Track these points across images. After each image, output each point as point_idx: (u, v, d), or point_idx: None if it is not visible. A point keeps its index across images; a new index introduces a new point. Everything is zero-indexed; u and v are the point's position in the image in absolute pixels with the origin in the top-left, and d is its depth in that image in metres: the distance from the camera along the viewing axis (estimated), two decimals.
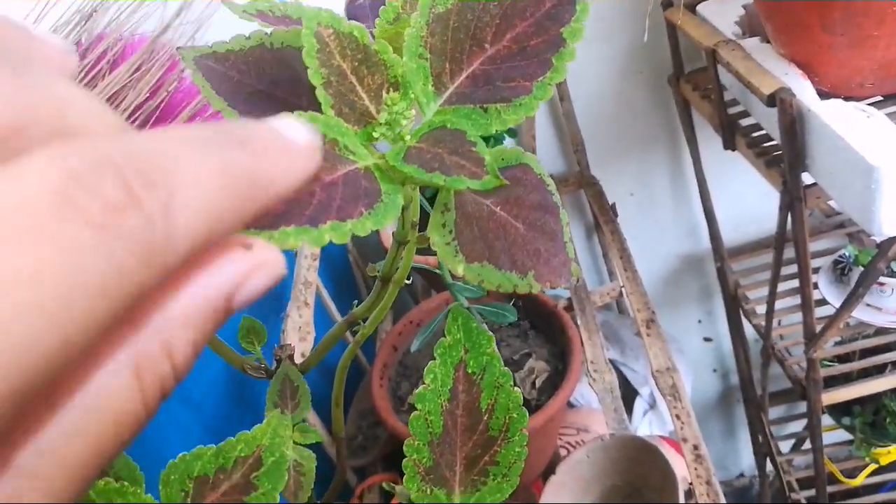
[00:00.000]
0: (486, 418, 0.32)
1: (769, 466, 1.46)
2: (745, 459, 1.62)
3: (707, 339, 1.45)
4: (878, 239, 0.66)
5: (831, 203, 1.18)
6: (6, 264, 0.12)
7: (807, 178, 0.77)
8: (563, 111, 1.08)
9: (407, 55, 0.28)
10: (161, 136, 0.15)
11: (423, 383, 0.31)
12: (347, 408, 0.92)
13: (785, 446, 1.42)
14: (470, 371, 0.32)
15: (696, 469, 0.71)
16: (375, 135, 0.27)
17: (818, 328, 0.88)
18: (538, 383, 0.68)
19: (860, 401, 1.18)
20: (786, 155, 0.74)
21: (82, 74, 0.68)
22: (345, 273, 1.10)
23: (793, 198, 0.77)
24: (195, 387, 0.68)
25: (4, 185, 0.13)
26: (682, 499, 0.71)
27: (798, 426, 1.45)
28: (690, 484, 0.70)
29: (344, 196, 0.24)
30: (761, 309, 1.07)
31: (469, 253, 0.25)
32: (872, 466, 1.21)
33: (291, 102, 0.30)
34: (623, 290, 0.94)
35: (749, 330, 1.20)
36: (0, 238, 0.12)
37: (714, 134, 1.10)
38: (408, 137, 0.27)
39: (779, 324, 1.11)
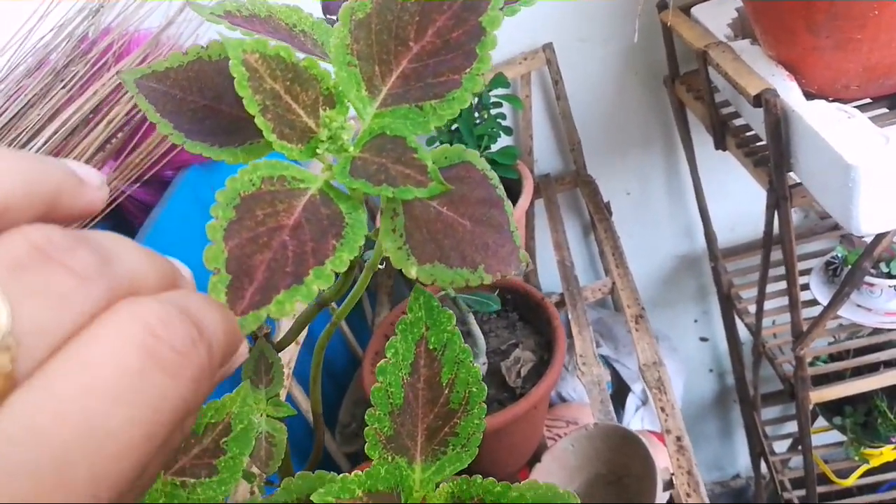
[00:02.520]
0: (446, 392, 0.34)
1: (764, 467, 1.47)
2: (742, 460, 1.63)
3: (703, 339, 1.46)
4: (857, 236, 0.67)
5: None
6: (106, 416, 0.15)
7: (794, 178, 0.79)
8: (559, 111, 1.10)
9: (336, 65, 0.29)
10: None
11: (385, 357, 0.33)
12: (342, 396, 0.94)
13: (781, 447, 1.43)
14: (431, 347, 0.34)
15: (678, 459, 0.73)
16: (319, 150, 0.29)
17: (807, 327, 0.90)
18: (523, 372, 0.70)
19: (852, 402, 1.19)
20: (772, 154, 0.75)
21: (89, 66, 0.71)
22: None
23: (779, 197, 0.79)
24: None
25: (95, 342, 0.16)
26: (661, 488, 0.73)
27: (794, 427, 1.45)
28: (672, 474, 0.72)
29: (313, 235, 0.25)
30: (753, 308, 1.08)
31: (420, 255, 0.27)
32: (864, 467, 1.22)
33: (237, 115, 0.31)
34: (614, 285, 0.96)
35: (743, 330, 1.21)
36: (99, 390, 0.15)
37: (709, 139, 1.11)
38: (351, 148, 0.29)
39: (773, 323, 1.13)
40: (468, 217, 0.27)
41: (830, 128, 0.67)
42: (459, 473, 0.33)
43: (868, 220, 0.65)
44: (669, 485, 0.74)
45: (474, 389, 0.34)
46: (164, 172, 0.90)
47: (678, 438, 0.75)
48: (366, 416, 0.32)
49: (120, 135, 0.76)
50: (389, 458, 0.32)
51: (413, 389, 0.33)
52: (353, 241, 0.25)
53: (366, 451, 0.32)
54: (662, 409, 0.78)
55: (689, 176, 1.15)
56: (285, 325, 0.74)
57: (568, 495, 0.33)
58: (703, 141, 1.09)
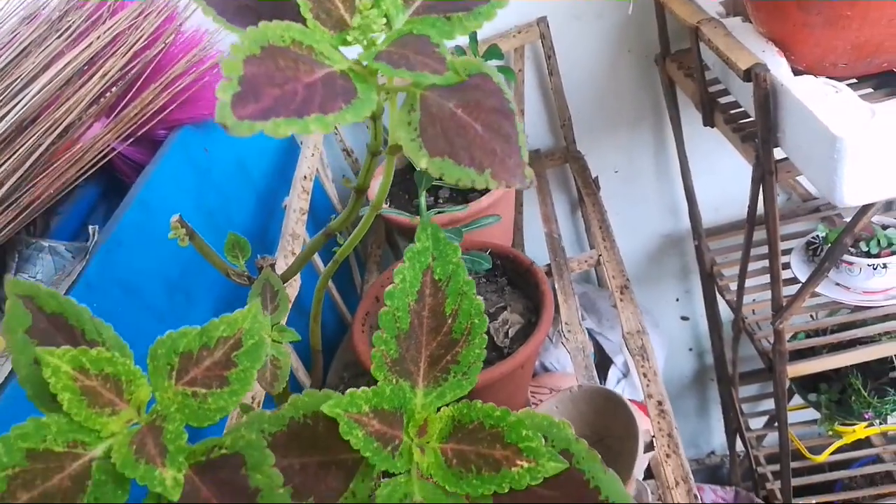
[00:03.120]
0: (449, 322, 0.35)
1: (739, 446, 1.50)
2: (717, 438, 1.67)
3: (684, 318, 1.49)
4: (840, 208, 0.69)
5: (808, 187, 1.22)
6: None
7: (779, 155, 0.81)
8: (551, 86, 1.11)
9: None
10: None
11: (393, 283, 0.34)
12: (331, 359, 0.95)
13: (757, 424, 1.46)
14: (436, 277, 0.35)
15: (658, 423, 0.75)
16: (349, 38, 0.30)
17: (787, 302, 0.92)
18: (511, 333, 0.71)
19: (827, 380, 1.22)
20: (759, 128, 0.77)
21: (84, 18, 0.70)
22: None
23: (764, 171, 0.80)
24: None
25: None
26: (642, 449, 0.75)
27: (770, 404, 1.49)
28: (653, 436, 0.74)
29: (324, 94, 0.27)
30: (735, 285, 1.10)
31: (432, 148, 0.28)
32: (838, 443, 1.25)
33: (276, 16, 0.33)
34: (600, 258, 0.97)
35: (724, 308, 1.23)
36: None
37: (698, 118, 1.13)
38: (379, 43, 0.30)
39: (753, 301, 1.15)
40: (480, 122, 0.28)
41: (818, 101, 0.69)
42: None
43: (851, 192, 0.67)
44: (650, 447, 0.76)
45: (476, 321, 0.35)
46: (157, 132, 0.89)
47: (659, 403, 0.77)
48: (373, 339, 0.33)
49: (114, 89, 0.76)
50: (394, 380, 0.33)
51: (418, 317, 0.34)
52: (359, 110, 0.26)
53: (371, 372, 0.33)
54: (644, 375, 0.80)
55: (676, 156, 1.17)
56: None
57: (563, 425, 0.35)
58: (691, 120, 1.11)
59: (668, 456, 0.73)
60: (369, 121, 0.31)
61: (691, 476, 0.71)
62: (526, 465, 0.32)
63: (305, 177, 0.92)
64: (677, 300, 1.46)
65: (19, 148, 0.64)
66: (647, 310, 1.29)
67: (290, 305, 0.40)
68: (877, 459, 1.32)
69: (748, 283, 1.07)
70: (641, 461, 0.80)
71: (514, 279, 0.80)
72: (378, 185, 0.37)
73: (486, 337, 0.35)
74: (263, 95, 0.25)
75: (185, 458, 0.29)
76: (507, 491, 0.32)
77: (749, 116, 0.89)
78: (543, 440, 0.33)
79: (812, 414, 1.33)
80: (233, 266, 0.42)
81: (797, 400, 1.30)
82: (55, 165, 0.68)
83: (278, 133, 0.24)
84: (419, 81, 0.26)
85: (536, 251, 1.18)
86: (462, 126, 0.28)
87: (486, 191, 0.88)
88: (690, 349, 1.55)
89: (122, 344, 0.32)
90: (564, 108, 1.12)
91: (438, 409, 0.34)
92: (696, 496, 0.69)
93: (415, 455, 0.32)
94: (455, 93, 0.28)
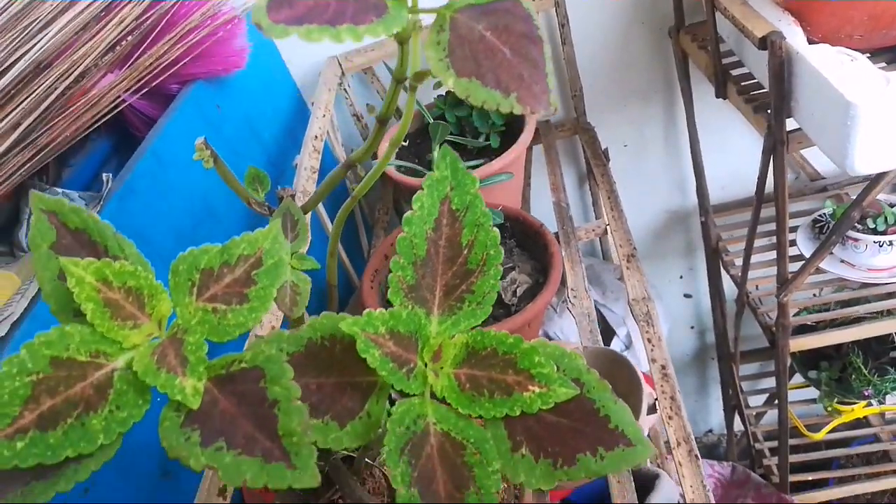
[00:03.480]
0: (465, 252, 0.35)
1: (737, 426, 1.51)
2: (715, 417, 1.68)
3: (687, 296, 1.49)
4: (852, 175, 0.69)
5: (816, 166, 1.22)
6: None
7: (790, 127, 0.81)
8: (564, 56, 1.11)
9: None
10: None
11: (411, 209, 0.34)
12: None
13: (756, 402, 1.47)
14: (454, 207, 0.35)
15: (661, 386, 0.75)
16: None
17: (792, 275, 0.92)
18: (519, 292, 0.72)
19: (828, 358, 1.23)
20: (772, 97, 0.77)
21: None
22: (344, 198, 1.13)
23: (776, 141, 0.80)
24: None
25: None
26: (646, 410, 0.76)
27: (769, 383, 1.50)
28: (655, 399, 0.75)
29: (356, 7, 0.27)
30: (740, 261, 1.11)
31: (460, 69, 0.28)
32: (836, 422, 1.26)
33: None
34: (608, 227, 0.98)
35: (727, 285, 1.24)
36: None
37: (709, 93, 1.12)
38: None
39: (757, 279, 1.15)
40: (509, 46, 0.28)
41: (833, 69, 0.68)
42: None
43: (863, 160, 0.67)
44: (653, 409, 0.77)
45: (492, 252, 0.35)
46: (170, 86, 0.89)
47: (663, 367, 0.78)
48: (391, 264, 0.34)
49: (129, 38, 0.76)
50: (409, 306, 0.34)
51: (435, 245, 0.35)
52: (390, 24, 0.26)
53: (388, 297, 0.33)
54: (649, 341, 0.81)
55: (685, 131, 1.17)
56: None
57: (574, 355, 0.35)
58: (701, 97, 1.11)
59: (670, 418, 0.74)
60: (397, 48, 0.32)
61: (692, 437, 0.72)
62: (538, 390, 0.32)
63: (317, 136, 0.93)
64: (681, 277, 1.47)
65: (36, 88, 0.65)
66: (651, 284, 1.29)
67: (308, 235, 0.41)
68: (874, 439, 1.33)
69: (752, 259, 1.07)
70: (645, 422, 0.81)
71: (522, 241, 0.80)
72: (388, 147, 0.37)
73: (501, 269, 0.35)
74: (297, 4, 0.26)
75: (204, 370, 0.30)
76: (518, 414, 0.32)
77: (762, 88, 0.89)
78: (555, 368, 0.33)
79: (810, 393, 1.34)
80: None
81: (796, 379, 1.31)
82: (71, 110, 0.68)
83: (311, 38, 0.25)
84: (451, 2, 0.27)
85: (544, 221, 1.18)
86: (490, 49, 0.28)
87: (497, 157, 0.88)
88: (692, 327, 1.56)
89: (145, 261, 0.33)
90: (576, 78, 1.12)
91: (452, 337, 0.34)
92: (697, 456, 0.70)
93: (429, 378, 0.33)
94: (485, 15, 0.28)
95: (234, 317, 0.32)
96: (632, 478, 0.77)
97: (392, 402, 0.33)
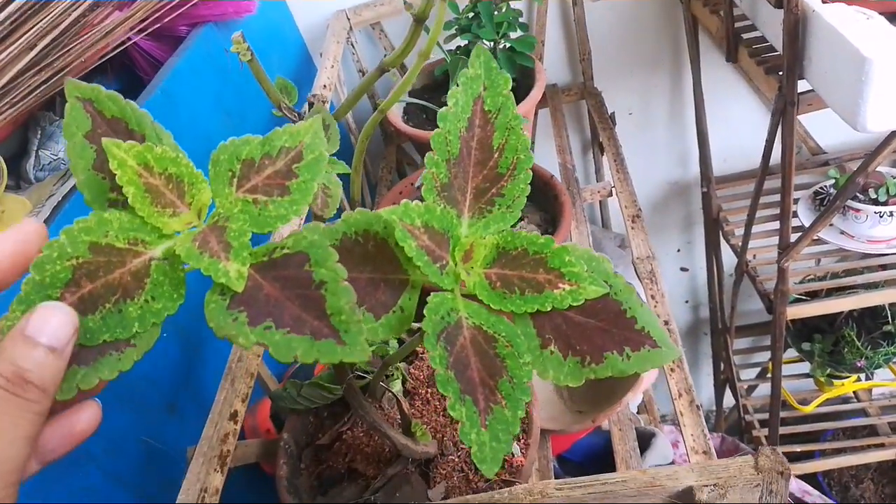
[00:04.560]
0: (496, 156, 0.35)
1: (727, 400, 1.53)
2: (705, 392, 1.70)
3: (683, 269, 1.50)
4: (862, 133, 0.70)
5: (818, 140, 1.23)
6: None
7: (800, 89, 0.81)
8: (574, 17, 1.10)
9: None
10: None
11: (447, 105, 0.34)
12: None
13: (747, 376, 1.49)
14: (486, 108, 0.35)
15: None
16: None
17: (794, 241, 0.93)
18: None
19: (822, 331, 1.24)
20: (785, 56, 0.77)
21: None
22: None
23: (787, 102, 0.81)
24: None
25: None
26: None
27: (762, 357, 1.52)
28: None
29: None
30: (740, 231, 1.12)
31: None
32: (825, 395, 1.28)
33: None
34: (613, 189, 0.98)
35: (726, 256, 1.25)
36: None
37: (716, 64, 1.13)
38: None
39: (756, 249, 1.16)
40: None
41: (849, 25, 0.69)
42: None
43: (875, 117, 0.68)
44: None
45: (522, 156, 0.36)
46: (178, 27, 0.89)
47: (666, 322, 0.78)
48: (426, 160, 0.34)
49: None
50: (442, 205, 0.34)
51: (467, 146, 0.35)
52: None
53: (422, 193, 0.33)
54: (653, 297, 0.81)
55: (691, 103, 1.17)
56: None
57: (602, 259, 0.35)
58: (708, 67, 1.11)
59: (672, 370, 0.75)
60: (403, 5, 0.31)
61: (693, 388, 0.73)
62: (568, 287, 0.33)
63: (325, 86, 0.92)
64: (678, 251, 1.48)
65: (44, 18, 0.64)
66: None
67: (339, 140, 0.41)
68: (863, 414, 1.35)
69: (752, 230, 1.08)
70: (649, 375, 0.82)
71: (532, 192, 0.80)
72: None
73: (530, 174, 0.36)
74: None
75: (248, 255, 0.30)
76: (549, 310, 0.32)
77: (773, 51, 0.89)
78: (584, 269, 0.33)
79: (801, 368, 1.35)
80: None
81: (789, 354, 1.32)
82: (84, 38, 0.67)
83: None
84: None
85: None
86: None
87: None
88: (687, 301, 1.57)
89: (182, 152, 0.32)
90: (585, 41, 1.12)
91: (483, 238, 0.34)
92: (698, 406, 0.71)
93: (461, 275, 0.33)
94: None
95: (275, 208, 0.32)
96: (634, 429, 0.79)
97: (423, 302, 0.33)
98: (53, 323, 0.28)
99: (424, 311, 0.31)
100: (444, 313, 0.31)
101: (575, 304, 0.32)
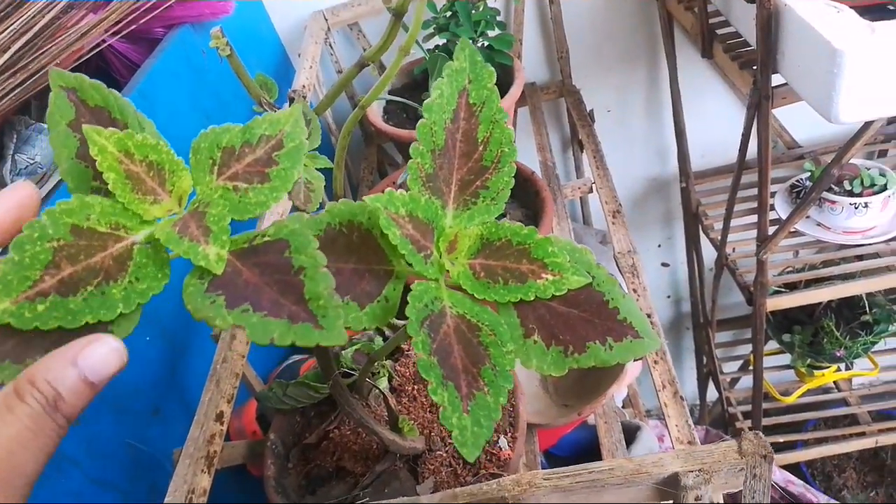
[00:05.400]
0: (481, 149, 0.36)
1: (710, 394, 1.55)
2: (688, 387, 1.71)
3: (664, 265, 1.52)
4: (836, 124, 0.71)
5: (794, 134, 1.25)
6: None
7: (775, 83, 0.82)
8: (551, 15, 1.11)
9: None
10: None
11: (431, 96, 0.34)
12: None
13: (729, 369, 1.51)
14: (471, 101, 0.35)
15: None
16: None
17: (772, 233, 0.94)
18: None
19: (801, 323, 1.26)
20: (759, 51, 0.78)
21: None
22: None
23: (761, 96, 0.82)
24: None
25: None
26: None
27: (744, 350, 1.53)
28: None
29: None
30: (719, 225, 1.13)
31: None
32: (806, 386, 1.30)
33: None
34: (594, 185, 0.99)
35: (706, 251, 1.26)
36: None
37: (691, 61, 1.14)
38: None
39: (735, 243, 1.18)
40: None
41: (820, 18, 0.70)
42: None
43: (848, 109, 0.69)
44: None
45: (506, 149, 0.36)
46: (154, 29, 0.88)
47: (648, 315, 0.79)
48: (410, 150, 0.34)
49: None
50: (427, 195, 0.34)
51: (452, 138, 0.35)
52: None
53: (407, 182, 0.34)
54: (634, 291, 0.82)
55: (668, 99, 1.18)
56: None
57: (584, 251, 0.36)
58: (684, 63, 1.12)
59: (655, 362, 0.75)
60: (382, 4, 0.31)
61: (677, 380, 0.73)
62: (551, 277, 0.33)
63: (304, 86, 0.92)
64: (659, 246, 1.49)
65: (17, 20, 0.63)
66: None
67: (320, 136, 0.41)
68: (843, 404, 1.37)
69: (731, 224, 1.09)
70: (632, 368, 0.83)
71: (513, 189, 0.81)
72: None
73: (514, 167, 0.36)
74: None
75: (227, 240, 0.30)
76: (532, 299, 0.33)
77: (747, 46, 0.90)
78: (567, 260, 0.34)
79: (783, 360, 1.37)
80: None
81: (770, 346, 1.34)
82: (59, 41, 0.66)
83: None
84: None
85: None
86: None
87: None
88: (668, 297, 1.59)
89: (164, 140, 0.32)
90: (563, 39, 1.13)
91: (467, 228, 0.35)
92: (682, 397, 0.72)
93: (445, 265, 0.33)
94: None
95: (256, 195, 0.32)
96: (619, 422, 0.79)
97: (406, 292, 0.33)
98: (106, 362, 0.28)
99: (408, 298, 0.31)
100: (427, 301, 0.32)
101: (558, 293, 0.33)
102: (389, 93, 0.90)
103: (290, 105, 0.40)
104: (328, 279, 0.28)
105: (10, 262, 0.27)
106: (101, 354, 0.28)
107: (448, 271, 0.33)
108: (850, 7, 0.80)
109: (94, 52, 0.80)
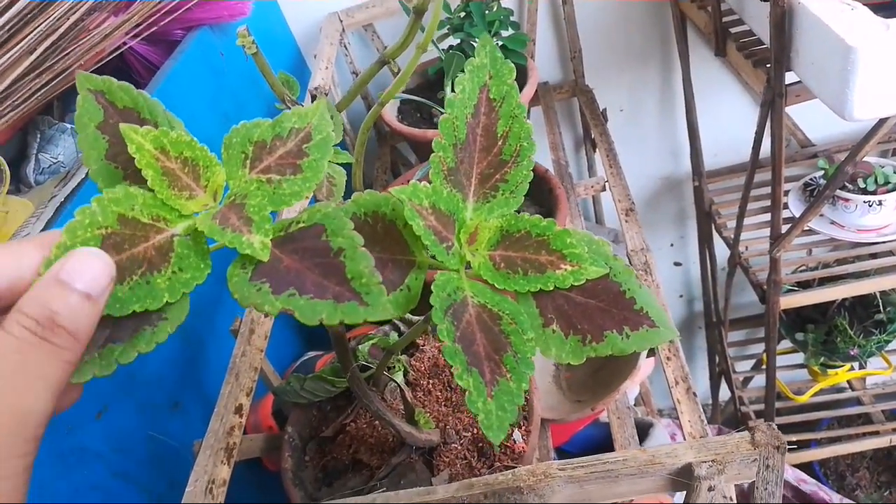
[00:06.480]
0: (500, 143, 0.36)
1: (722, 394, 1.55)
2: (700, 386, 1.71)
3: (677, 264, 1.52)
4: (850, 121, 0.71)
5: (807, 132, 1.25)
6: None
7: (788, 81, 0.82)
8: (564, 15, 1.12)
9: None
10: None
11: (454, 93, 0.35)
12: None
13: (742, 368, 1.51)
14: (492, 96, 0.36)
15: None
16: None
17: (786, 231, 0.95)
18: None
19: (814, 322, 1.26)
20: (773, 49, 0.79)
21: None
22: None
23: (775, 93, 0.82)
24: None
25: None
26: (645, 353, 0.78)
27: (757, 349, 1.53)
28: None
29: None
30: (732, 223, 1.13)
31: None
32: (819, 385, 1.29)
33: None
34: (607, 183, 0.99)
35: (719, 249, 1.26)
36: None
37: (704, 60, 1.15)
38: None
39: (747, 241, 1.18)
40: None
41: (833, 16, 0.70)
42: None
43: (862, 106, 0.69)
44: (652, 352, 0.79)
45: (525, 144, 0.37)
46: (174, 31, 0.89)
47: None
48: (433, 144, 0.35)
49: None
50: (449, 188, 0.35)
51: (473, 132, 0.36)
52: None
53: (430, 175, 0.34)
54: (647, 288, 0.82)
55: (681, 99, 1.19)
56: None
57: (601, 242, 0.36)
58: (697, 62, 1.12)
59: (668, 359, 0.76)
60: (398, 5, 0.32)
61: (690, 376, 0.74)
62: (570, 268, 0.34)
63: (318, 87, 0.93)
64: (671, 245, 1.49)
65: (42, 23, 0.65)
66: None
67: (342, 131, 0.42)
68: (857, 403, 1.37)
69: (744, 222, 1.09)
70: (646, 364, 0.83)
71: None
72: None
73: (533, 161, 0.37)
74: None
75: (269, 228, 0.31)
76: (551, 289, 0.33)
77: (761, 44, 0.90)
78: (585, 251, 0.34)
79: (796, 359, 1.37)
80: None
81: (783, 345, 1.34)
82: (82, 42, 0.68)
83: None
84: None
85: None
86: None
87: None
88: (681, 296, 1.59)
89: (194, 138, 0.33)
90: (576, 39, 1.13)
91: (487, 221, 0.35)
92: (694, 393, 0.72)
93: (466, 256, 0.34)
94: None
95: (289, 186, 0.33)
96: (632, 417, 0.80)
97: (427, 288, 0.34)
98: (91, 269, 0.27)
99: (432, 287, 0.32)
100: (450, 290, 0.32)
101: (576, 284, 0.33)
102: (403, 92, 0.91)
103: (313, 102, 0.41)
104: (368, 258, 0.29)
105: (63, 247, 0.28)
106: (91, 266, 0.27)
107: (469, 262, 0.34)
108: (864, 4, 0.81)
109: (116, 53, 0.82)
